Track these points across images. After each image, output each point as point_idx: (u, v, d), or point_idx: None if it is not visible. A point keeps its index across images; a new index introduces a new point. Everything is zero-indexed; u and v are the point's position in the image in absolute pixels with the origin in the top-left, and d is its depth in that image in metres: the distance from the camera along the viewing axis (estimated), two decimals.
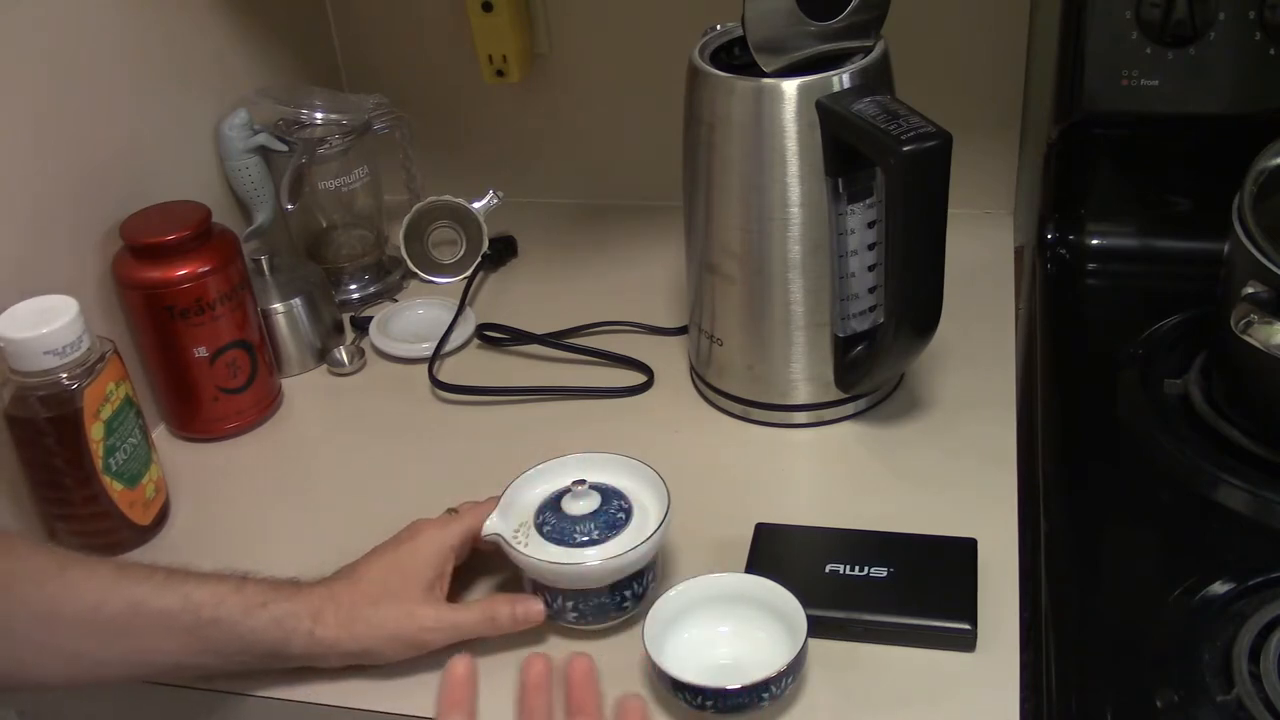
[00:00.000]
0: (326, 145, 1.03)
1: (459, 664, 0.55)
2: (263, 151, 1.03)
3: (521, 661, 0.55)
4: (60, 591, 0.63)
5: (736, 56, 0.82)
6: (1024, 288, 1.03)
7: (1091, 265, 0.99)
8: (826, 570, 0.71)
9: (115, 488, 0.80)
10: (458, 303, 1.05)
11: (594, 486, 0.71)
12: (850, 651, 0.68)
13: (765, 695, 0.62)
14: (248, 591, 0.66)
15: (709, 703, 0.62)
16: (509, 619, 0.69)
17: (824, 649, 0.68)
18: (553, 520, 0.71)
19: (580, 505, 0.71)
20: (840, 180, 0.78)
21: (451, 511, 0.74)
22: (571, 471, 0.73)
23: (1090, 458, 0.79)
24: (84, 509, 0.79)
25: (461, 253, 1.13)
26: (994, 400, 0.87)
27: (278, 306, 0.98)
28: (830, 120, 0.76)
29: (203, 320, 0.88)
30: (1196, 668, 0.62)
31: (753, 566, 0.72)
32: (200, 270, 0.87)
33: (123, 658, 0.65)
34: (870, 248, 0.81)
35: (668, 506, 0.70)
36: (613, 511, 0.71)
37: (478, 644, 0.68)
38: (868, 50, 0.80)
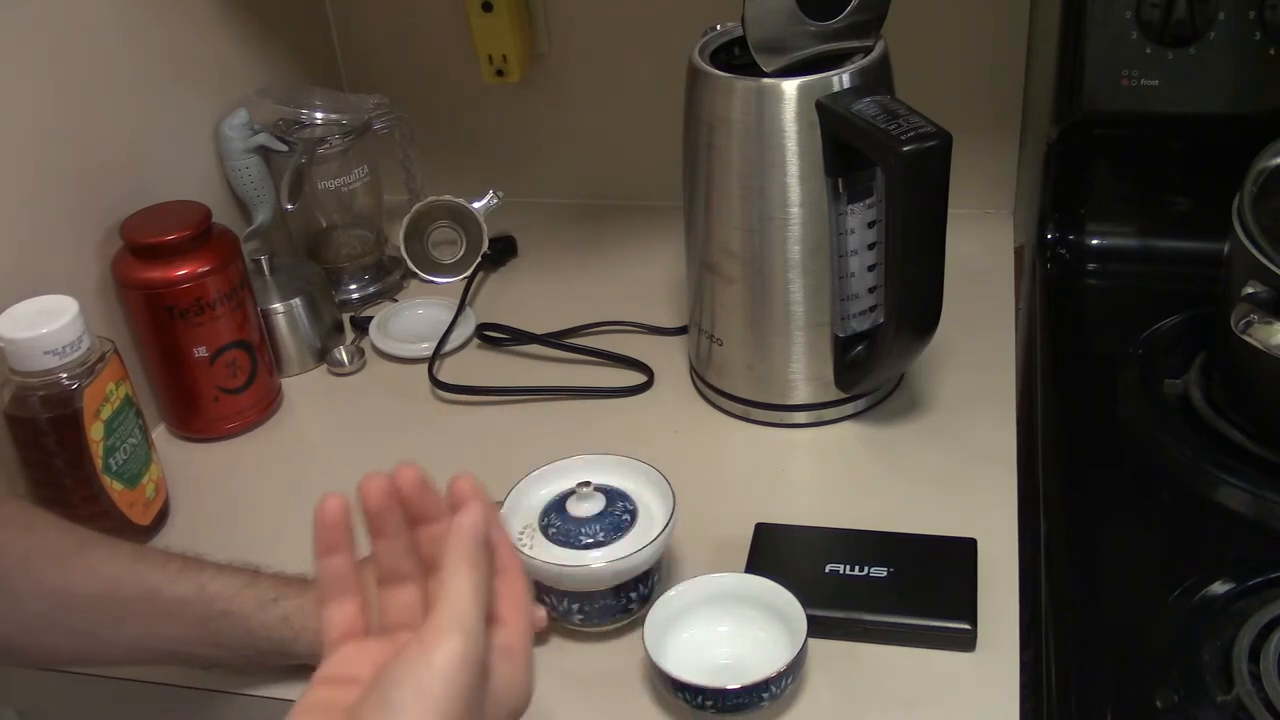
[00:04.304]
0: (326, 145, 1.03)
1: (330, 503, 0.51)
2: (263, 151, 1.03)
3: (359, 483, 0.50)
4: (77, 571, 0.64)
5: (736, 56, 0.82)
6: (1024, 288, 1.03)
7: (1091, 265, 0.99)
8: (826, 570, 0.71)
9: (115, 488, 0.80)
10: (458, 303, 1.05)
11: (599, 488, 0.71)
12: (850, 651, 0.68)
13: (765, 695, 0.62)
14: (260, 586, 0.66)
15: (709, 703, 0.62)
16: None
17: (824, 649, 0.68)
18: (558, 522, 0.71)
19: (585, 507, 0.71)
20: (840, 180, 0.78)
21: None
22: (576, 473, 0.73)
23: (1090, 458, 0.79)
24: (84, 509, 0.79)
25: (461, 253, 1.13)
26: (994, 400, 0.87)
27: (278, 306, 0.98)
28: (830, 120, 0.76)
29: (203, 320, 0.88)
30: (1196, 668, 0.62)
31: (753, 566, 0.72)
32: (200, 270, 0.87)
33: (130, 641, 0.65)
34: (870, 248, 0.81)
35: (673, 509, 0.70)
36: (618, 513, 0.71)
37: None
38: (868, 50, 0.80)
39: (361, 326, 1.05)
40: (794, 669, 0.63)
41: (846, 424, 0.87)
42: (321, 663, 0.50)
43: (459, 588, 0.46)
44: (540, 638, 0.70)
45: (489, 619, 0.49)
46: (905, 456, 0.84)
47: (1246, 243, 0.74)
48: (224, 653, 0.66)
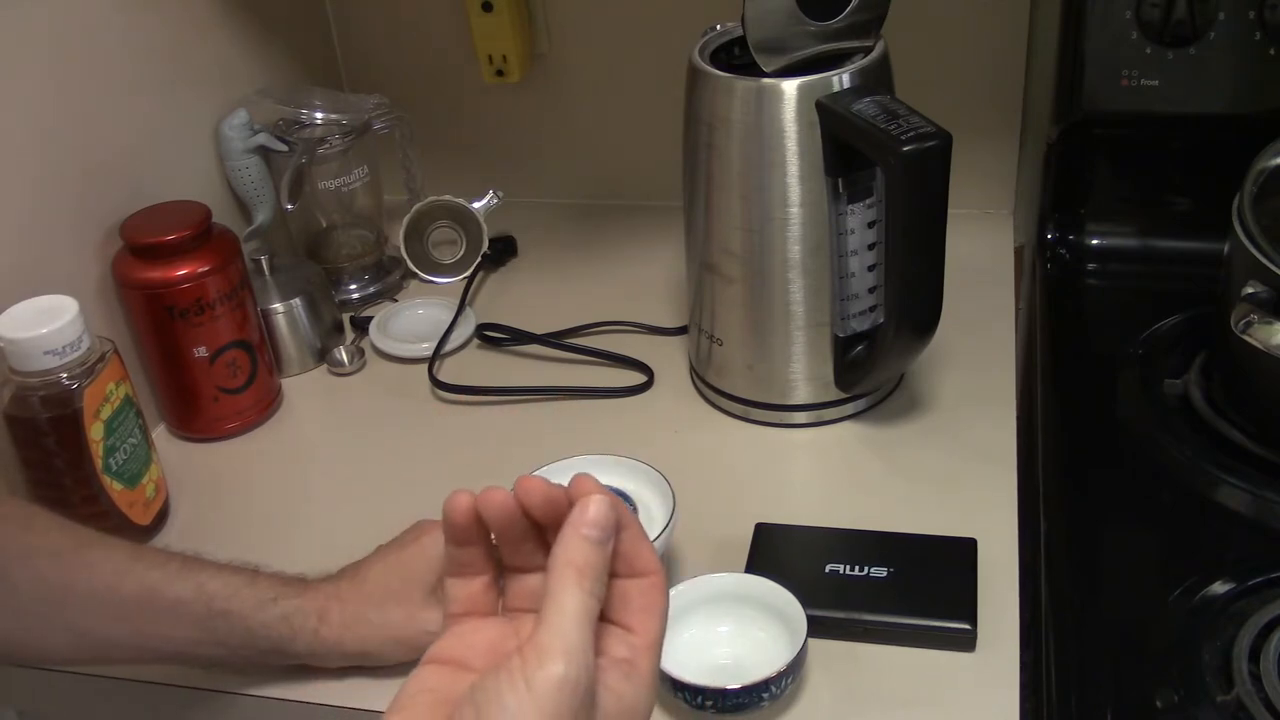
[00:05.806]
0: (326, 145, 1.03)
1: (459, 503, 0.47)
2: (263, 151, 1.03)
3: (481, 495, 0.47)
4: (76, 570, 0.64)
5: (736, 56, 0.82)
6: (1024, 288, 1.03)
7: (1091, 265, 0.99)
8: (826, 570, 0.71)
9: (115, 488, 0.80)
10: (458, 303, 1.05)
11: None
12: (850, 651, 0.68)
13: (765, 695, 0.62)
14: (260, 585, 0.66)
15: (709, 703, 0.62)
16: None
17: (824, 649, 0.68)
18: None
19: None
20: (840, 180, 0.78)
21: None
22: (576, 473, 0.73)
23: (1090, 458, 0.79)
24: (84, 509, 0.79)
25: (461, 253, 1.13)
26: (994, 400, 0.87)
27: (278, 306, 0.98)
28: (830, 120, 0.76)
29: (203, 320, 0.88)
30: (1196, 668, 0.62)
31: (753, 566, 0.72)
32: (200, 270, 0.87)
33: (129, 641, 0.65)
34: (870, 248, 0.81)
35: (673, 510, 0.70)
36: None
37: None
38: (868, 50, 0.80)
39: (361, 326, 1.05)
40: (794, 669, 0.63)
41: (846, 424, 0.87)
42: (438, 638, 0.48)
43: (564, 604, 0.42)
44: None
45: (617, 625, 0.46)
46: (905, 456, 0.84)
47: (1246, 243, 0.74)
48: (223, 652, 0.66)
